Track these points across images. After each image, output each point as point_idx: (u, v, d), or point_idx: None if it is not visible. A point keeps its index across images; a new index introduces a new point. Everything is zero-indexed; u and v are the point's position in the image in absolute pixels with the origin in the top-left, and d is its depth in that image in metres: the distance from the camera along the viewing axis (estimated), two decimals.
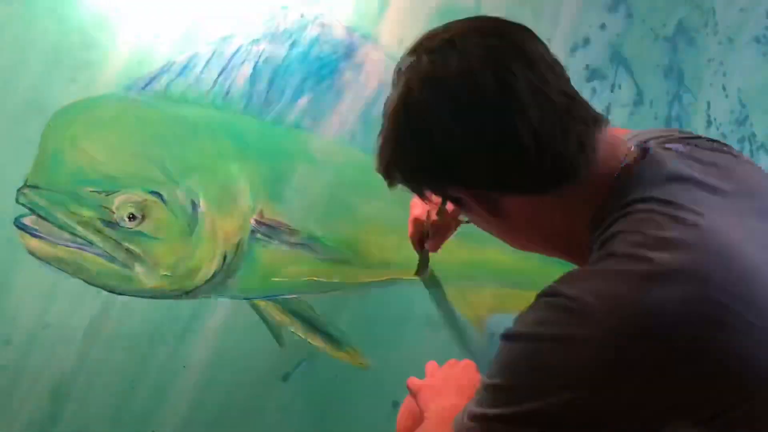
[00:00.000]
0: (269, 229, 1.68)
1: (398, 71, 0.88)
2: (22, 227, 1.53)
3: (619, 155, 0.83)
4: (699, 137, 0.90)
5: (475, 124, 0.78)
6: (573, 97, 0.84)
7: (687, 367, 0.69)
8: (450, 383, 1.07)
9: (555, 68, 0.84)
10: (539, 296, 0.79)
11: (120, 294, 1.59)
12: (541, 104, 0.80)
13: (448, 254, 1.77)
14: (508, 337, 0.79)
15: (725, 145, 0.91)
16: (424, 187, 0.88)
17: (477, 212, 0.87)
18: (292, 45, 1.70)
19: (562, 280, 0.78)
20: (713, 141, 0.90)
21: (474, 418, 0.80)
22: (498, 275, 1.84)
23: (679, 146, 0.86)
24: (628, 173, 0.80)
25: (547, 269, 1.85)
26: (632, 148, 0.84)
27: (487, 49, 0.82)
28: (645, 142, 0.86)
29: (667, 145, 0.85)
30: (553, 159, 0.79)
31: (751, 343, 0.70)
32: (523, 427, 0.74)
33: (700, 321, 0.70)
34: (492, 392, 0.79)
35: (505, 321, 1.89)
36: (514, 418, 0.75)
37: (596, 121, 0.83)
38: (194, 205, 1.62)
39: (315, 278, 1.72)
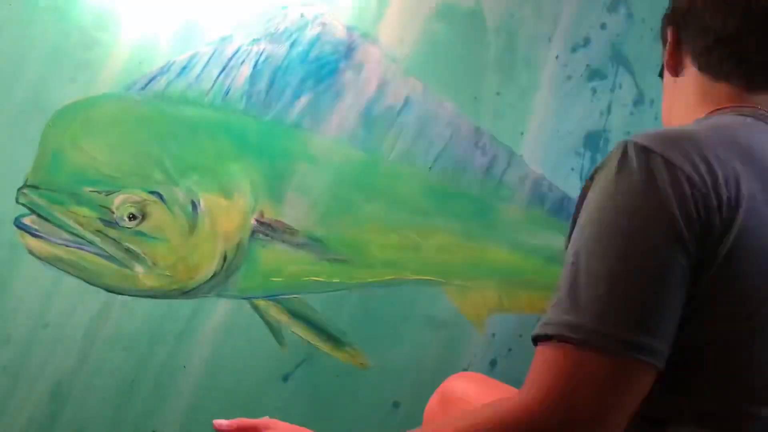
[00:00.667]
0: (269, 229, 1.68)
1: None
2: (22, 227, 1.53)
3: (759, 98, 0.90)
4: None
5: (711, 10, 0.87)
6: None
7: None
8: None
9: None
10: None
11: (120, 294, 1.59)
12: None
13: (449, 254, 1.77)
14: None
15: None
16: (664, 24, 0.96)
17: (665, 60, 0.95)
18: (292, 45, 1.70)
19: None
20: None
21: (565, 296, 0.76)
22: (499, 275, 1.84)
23: None
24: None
25: (548, 269, 1.86)
26: None
27: None
28: None
29: None
30: (748, 58, 0.86)
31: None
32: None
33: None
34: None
35: (506, 321, 1.90)
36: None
37: None
38: (194, 205, 1.62)
39: (315, 278, 1.72)
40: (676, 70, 0.93)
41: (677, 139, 0.76)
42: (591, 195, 0.75)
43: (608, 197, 0.73)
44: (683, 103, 0.92)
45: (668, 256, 0.71)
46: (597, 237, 0.72)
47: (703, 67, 0.89)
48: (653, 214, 0.71)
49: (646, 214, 0.71)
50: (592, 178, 0.77)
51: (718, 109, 0.86)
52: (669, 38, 0.93)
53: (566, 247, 0.78)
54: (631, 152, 0.74)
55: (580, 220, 0.75)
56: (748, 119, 0.83)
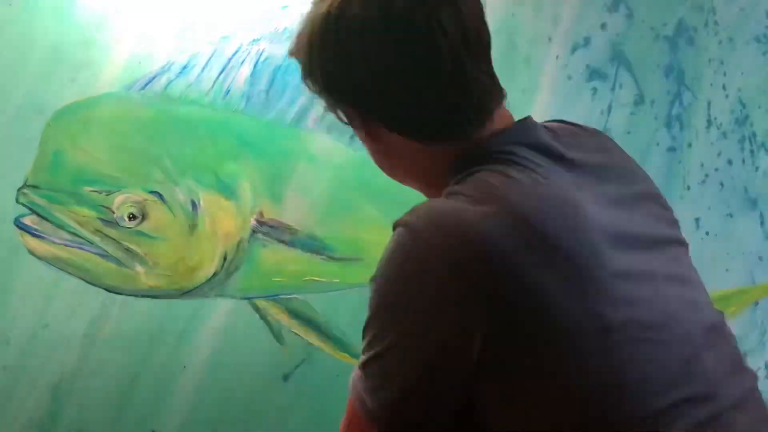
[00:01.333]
0: (269, 229, 1.68)
1: None
2: (23, 227, 1.53)
3: (502, 126, 0.86)
4: (582, 126, 0.95)
5: (403, 48, 0.80)
6: (489, 63, 0.86)
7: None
8: None
9: (482, 33, 0.84)
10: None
11: (120, 293, 1.59)
12: (462, 62, 0.82)
13: None
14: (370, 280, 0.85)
15: (602, 133, 0.97)
16: (319, 91, 0.89)
17: (359, 132, 0.90)
18: None
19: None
20: (591, 130, 0.95)
21: (360, 366, 0.82)
22: None
23: (555, 125, 0.91)
24: (495, 135, 0.84)
25: None
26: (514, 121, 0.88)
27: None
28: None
29: (546, 124, 0.90)
30: (452, 115, 0.82)
31: (546, 280, 0.72)
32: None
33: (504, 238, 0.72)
34: (364, 336, 0.84)
35: None
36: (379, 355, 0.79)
37: (499, 94, 0.86)
38: (194, 205, 1.62)
39: (315, 278, 1.72)
40: (375, 140, 0.89)
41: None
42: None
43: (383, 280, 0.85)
44: (417, 164, 0.89)
45: None
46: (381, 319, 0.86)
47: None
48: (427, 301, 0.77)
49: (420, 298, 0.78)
50: None
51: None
52: (356, 121, 0.87)
53: None
54: (402, 235, 0.78)
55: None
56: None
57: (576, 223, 0.75)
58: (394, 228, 0.78)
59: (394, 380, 0.76)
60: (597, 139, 0.93)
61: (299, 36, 0.88)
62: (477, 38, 0.83)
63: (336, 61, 0.83)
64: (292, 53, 0.91)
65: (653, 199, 0.88)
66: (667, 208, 0.90)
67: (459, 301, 0.72)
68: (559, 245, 0.73)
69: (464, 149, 0.84)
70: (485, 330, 0.71)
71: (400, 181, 0.96)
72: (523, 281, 0.72)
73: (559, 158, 0.82)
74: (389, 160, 0.91)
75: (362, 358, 0.80)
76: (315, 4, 0.86)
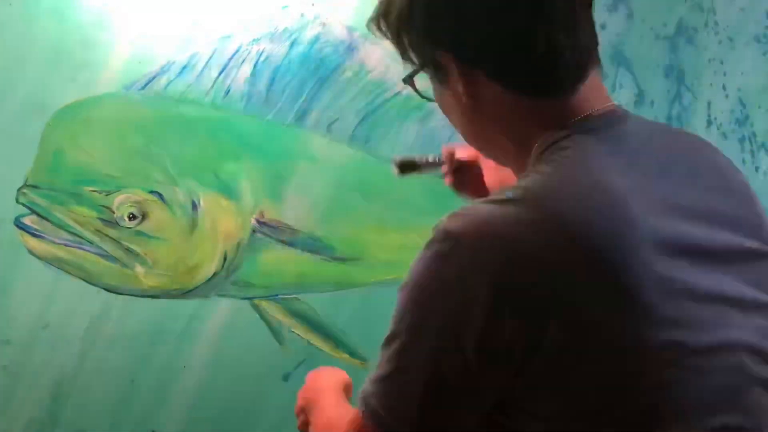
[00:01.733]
0: (270, 229, 1.68)
1: None
2: (23, 227, 1.53)
3: (599, 99, 0.83)
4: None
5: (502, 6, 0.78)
6: (592, 25, 0.85)
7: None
8: (322, 388, 1.08)
9: None
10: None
11: (120, 293, 1.59)
12: (573, 6, 0.82)
13: None
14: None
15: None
16: (414, 42, 0.85)
17: (452, 88, 0.84)
18: (293, 44, 1.70)
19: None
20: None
21: (376, 380, 0.79)
22: None
23: (648, 122, 0.88)
24: (584, 119, 0.80)
25: None
26: (612, 103, 0.84)
27: None
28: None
29: (639, 118, 0.87)
30: (555, 63, 0.79)
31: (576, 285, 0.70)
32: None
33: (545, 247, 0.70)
34: (387, 346, 0.79)
35: None
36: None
37: (596, 53, 0.84)
38: (194, 205, 1.62)
39: (315, 278, 1.72)
40: (473, 95, 0.83)
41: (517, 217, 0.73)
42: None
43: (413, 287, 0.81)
44: (512, 126, 0.84)
45: None
46: (405, 322, 0.79)
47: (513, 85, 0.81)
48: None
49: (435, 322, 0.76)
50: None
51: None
52: (450, 67, 0.82)
53: None
54: (441, 242, 0.76)
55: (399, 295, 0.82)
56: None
57: (631, 240, 0.71)
58: (434, 231, 0.75)
59: (417, 396, 0.74)
60: (690, 143, 0.89)
61: None
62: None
63: (444, 5, 0.81)
64: (382, 6, 0.89)
65: (743, 218, 0.82)
66: (761, 225, 0.83)
67: (498, 315, 0.70)
68: (608, 263, 0.70)
69: (554, 116, 0.80)
70: (522, 345, 0.70)
71: (481, 147, 0.91)
72: (568, 301, 0.70)
73: (635, 161, 0.78)
74: (479, 117, 0.84)
75: (380, 372, 0.78)
76: None
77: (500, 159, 0.90)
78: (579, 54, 0.80)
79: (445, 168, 1.21)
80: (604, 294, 0.70)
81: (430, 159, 1.20)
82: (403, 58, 0.88)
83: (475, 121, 0.85)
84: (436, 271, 0.74)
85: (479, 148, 0.92)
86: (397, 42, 0.87)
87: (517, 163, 0.84)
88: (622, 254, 0.71)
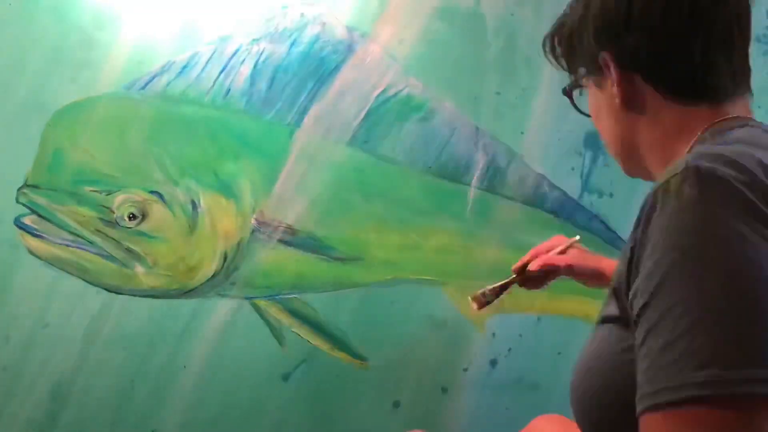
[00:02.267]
0: (270, 229, 1.68)
1: None
2: (23, 227, 1.53)
3: (746, 113, 0.86)
4: None
5: (671, 12, 0.82)
6: (747, 57, 0.88)
7: None
8: None
9: (749, 23, 0.88)
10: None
11: (120, 293, 1.59)
12: (733, 31, 0.84)
13: (449, 254, 1.77)
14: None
15: None
16: (583, 44, 0.90)
17: (607, 93, 0.89)
18: (292, 44, 1.70)
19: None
20: None
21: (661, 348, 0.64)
22: (499, 275, 1.84)
23: None
24: (732, 129, 0.82)
25: None
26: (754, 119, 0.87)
27: None
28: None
29: None
30: (709, 73, 0.82)
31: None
32: None
33: None
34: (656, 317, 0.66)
35: (506, 321, 1.90)
36: None
37: (748, 83, 0.87)
38: (194, 205, 1.62)
39: (315, 278, 1.72)
40: (630, 101, 0.87)
41: (741, 155, 0.68)
42: (662, 233, 0.66)
43: (687, 233, 0.65)
44: (652, 138, 0.87)
45: None
46: (695, 278, 0.63)
47: (674, 93, 0.84)
48: (748, 238, 0.63)
49: (740, 241, 0.63)
50: (651, 209, 0.68)
51: (700, 135, 0.82)
52: (610, 68, 0.86)
53: (617, 287, 0.72)
54: (702, 177, 0.66)
55: (661, 262, 0.65)
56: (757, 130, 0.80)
57: None
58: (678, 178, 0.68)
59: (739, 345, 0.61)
60: None
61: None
62: (747, 23, 0.85)
63: (614, 7, 0.85)
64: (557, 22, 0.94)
65: None
66: None
67: None
68: None
69: (703, 122, 0.83)
70: None
71: (621, 152, 0.92)
72: None
73: None
74: (629, 119, 0.88)
75: (661, 341, 0.64)
76: None
77: (635, 165, 0.92)
78: (733, 71, 0.84)
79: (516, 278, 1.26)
80: None
81: (502, 283, 1.27)
82: (570, 69, 0.94)
83: (622, 122, 0.89)
84: (710, 214, 0.66)
85: (619, 152, 0.93)
86: (568, 51, 0.94)
87: (652, 169, 0.87)
88: None
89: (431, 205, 1.78)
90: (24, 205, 1.52)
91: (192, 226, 1.62)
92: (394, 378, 1.77)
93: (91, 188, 1.55)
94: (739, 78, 0.85)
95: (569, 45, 0.94)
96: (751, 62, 0.87)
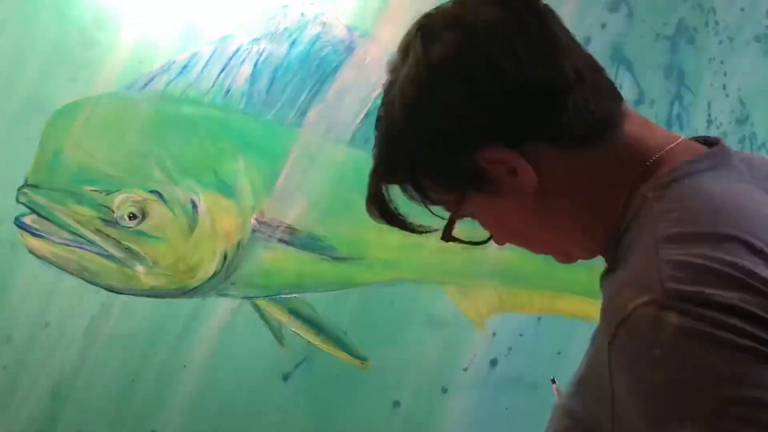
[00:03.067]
0: (270, 228, 1.68)
1: (403, 47, 0.79)
2: (23, 226, 1.53)
3: (660, 137, 0.77)
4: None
5: (520, 60, 0.73)
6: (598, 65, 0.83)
7: None
8: None
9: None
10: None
11: (120, 293, 1.59)
12: (577, 52, 0.80)
13: (449, 254, 1.77)
14: None
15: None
16: (442, 164, 0.79)
17: (509, 192, 0.77)
18: (293, 44, 1.70)
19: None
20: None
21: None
22: (499, 275, 1.84)
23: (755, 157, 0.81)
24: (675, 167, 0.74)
25: (550, 270, 1.85)
26: (681, 138, 0.77)
27: (507, 7, 0.76)
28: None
29: (743, 154, 0.80)
30: (596, 104, 0.75)
31: None
32: None
33: None
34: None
35: (506, 320, 1.90)
36: None
37: (618, 94, 0.80)
38: (194, 204, 1.62)
39: (315, 278, 1.72)
40: (522, 183, 0.76)
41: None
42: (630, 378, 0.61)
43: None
44: (586, 200, 0.77)
45: None
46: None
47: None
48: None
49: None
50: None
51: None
52: (503, 158, 0.75)
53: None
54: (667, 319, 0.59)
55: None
56: None
57: None
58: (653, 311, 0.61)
59: None
60: None
61: (387, 111, 0.80)
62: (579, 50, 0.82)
63: (466, 94, 0.75)
64: (383, 131, 0.82)
65: None
66: None
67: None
68: None
69: (624, 163, 0.75)
70: None
71: (551, 240, 0.83)
72: None
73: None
74: (548, 200, 0.77)
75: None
76: (392, 68, 0.79)
77: (592, 240, 0.80)
78: (610, 91, 0.79)
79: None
80: None
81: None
82: (430, 202, 0.82)
83: (549, 206, 0.78)
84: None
85: (574, 240, 0.82)
86: (418, 186, 0.82)
87: (595, 237, 0.78)
88: None
89: None
90: (24, 204, 1.52)
91: (192, 226, 1.62)
92: (394, 378, 1.77)
93: (91, 188, 1.55)
94: (615, 94, 0.79)
95: (416, 181, 0.82)
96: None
